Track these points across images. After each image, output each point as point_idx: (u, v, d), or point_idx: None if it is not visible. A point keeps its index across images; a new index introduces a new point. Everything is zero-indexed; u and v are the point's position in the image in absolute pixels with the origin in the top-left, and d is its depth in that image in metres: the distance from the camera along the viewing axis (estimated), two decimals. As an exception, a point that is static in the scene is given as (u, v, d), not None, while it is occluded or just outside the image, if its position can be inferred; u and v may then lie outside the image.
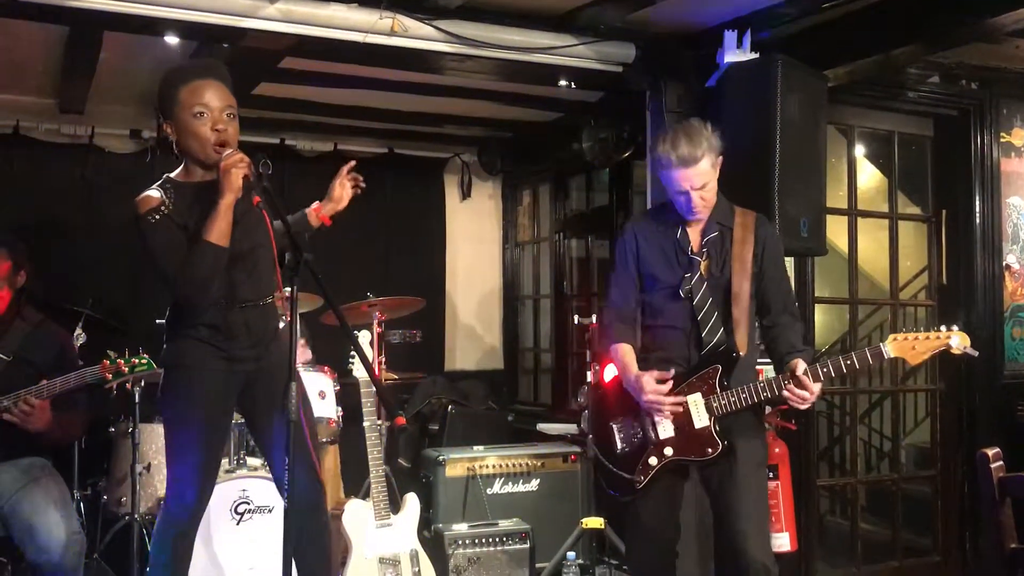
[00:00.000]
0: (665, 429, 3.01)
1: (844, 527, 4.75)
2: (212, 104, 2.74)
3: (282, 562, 2.45)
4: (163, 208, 2.76)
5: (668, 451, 3.01)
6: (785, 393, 2.88)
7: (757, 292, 3.07)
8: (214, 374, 2.88)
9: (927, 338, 2.83)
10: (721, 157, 3.03)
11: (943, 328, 2.84)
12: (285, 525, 2.48)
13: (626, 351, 3.11)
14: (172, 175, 2.88)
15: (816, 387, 2.85)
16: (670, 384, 2.99)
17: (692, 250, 3.07)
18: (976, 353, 2.87)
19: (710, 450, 2.96)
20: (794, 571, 4.09)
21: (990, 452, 2.46)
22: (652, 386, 2.98)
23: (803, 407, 2.94)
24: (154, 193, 2.79)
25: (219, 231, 2.65)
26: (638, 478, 3.05)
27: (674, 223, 3.10)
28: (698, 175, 2.96)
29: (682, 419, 2.99)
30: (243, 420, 3.39)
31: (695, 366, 3.01)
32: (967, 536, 4.57)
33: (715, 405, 2.96)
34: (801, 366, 2.87)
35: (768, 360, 3.14)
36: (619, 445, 3.12)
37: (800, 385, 2.84)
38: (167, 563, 2.93)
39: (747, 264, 3.04)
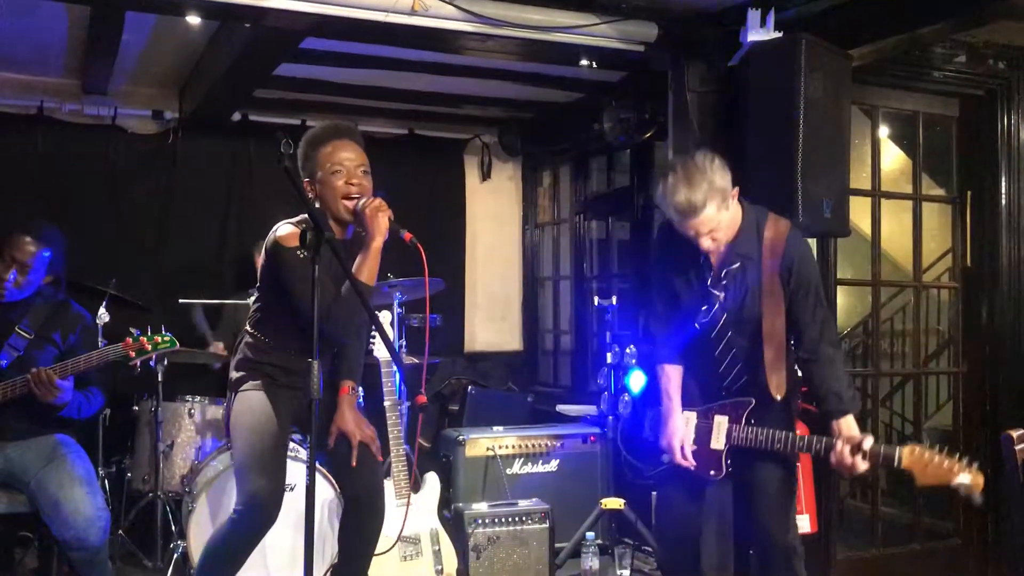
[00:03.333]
0: (689, 436, 3.05)
1: (864, 510, 4.73)
2: (346, 163, 2.94)
3: (304, 540, 2.48)
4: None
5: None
6: (834, 458, 2.75)
7: (790, 322, 2.90)
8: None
9: (942, 464, 2.62)
10: (736, 188, 2.84)
11: (965, 460, 2.63)
12: (307, 503, 2.50)
13: (669, 376, 3.06)
14: (307, 219, 2.98)
15: (863, 467, 2.71)
16: (690, 462, 3.00)
17: (711, 279, 2.93)
18: (980, 502, 2.67)
19: (713, 472, 2.99)
20: (814, 553, 4.08)
21: (1015, 433, 2.44)
22: (678, 451, 3.00)
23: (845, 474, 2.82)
24: (298, 230, 2.92)
25: (370, 271, 2.83)
26: (649, 467, 3.16)
27: (696, 247, 2.91)
28: (702, 223, 2.79)
29: (704, 434, 3.01)
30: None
31: (728, 390, 3.00)
32: (989, 520, 4.54)
33: (735, 435, 2.94)
34: (868, 440, 2.71)
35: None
36: (647, 431, 3.21)
37: (855, 455, 2.70)
38: (225, 565, 3.08)
39: (779, 297, 2.85)
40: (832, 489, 4.18)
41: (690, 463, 3.00)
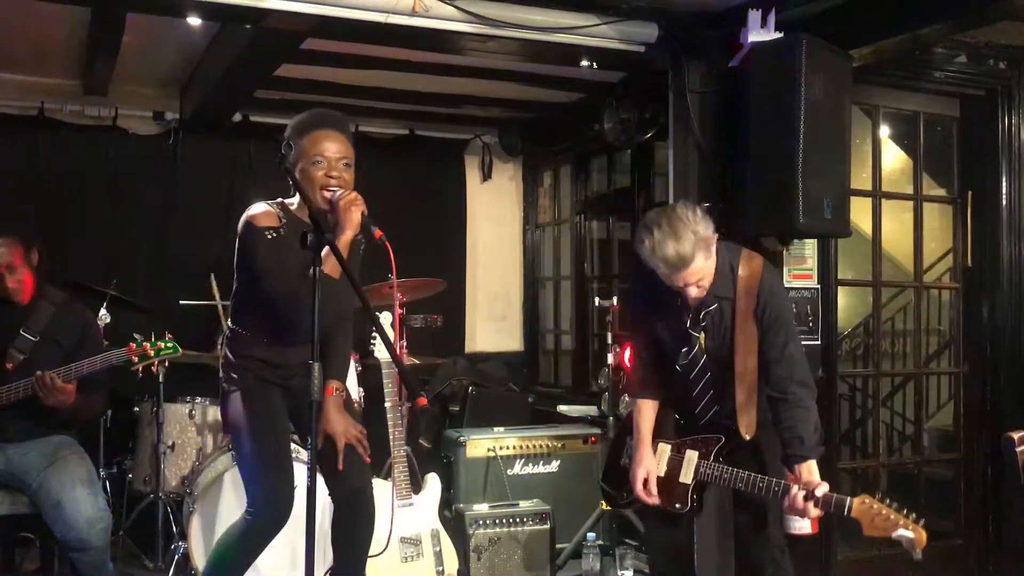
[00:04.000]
0: (659, 467, 3.06)
1: (865, 510, 4.73)
2: (328, 154, 2.88)
3: (305, 541, 2.48)
4: (281, 230, 2.91)
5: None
6: (787, 502, 2.74)
7: (761, 361, 2.90)
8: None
9: (888, 517, 2.62)
10: (716, 235, 2.82)
11: (912, 516, 2.62)
12: (308, 504, 2.50)
13: (643, 412, 3.08)
14: (286, 202, 3.01)
15: (815, 513, 2.71)
16: (654, 498, 3.01)
17: (690, 321, 2.93)
18: (920, 558, 2.63)
19: (679, 506, 3.01)
20: (815, 554, 4.08)
21: (1016, 435, 2.44)
22: (639, 484, 3.01)
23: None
24: (271, 210, 2.93)
25: (334, 263, 2.74)
26: (621, 495, 3.16)
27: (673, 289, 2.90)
28: (691, 274, 2.79)
29: (674, 467, 3.03)
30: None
31: (704, 426, 3.01)
32: (989, 520, 4.54)
33: (703, 471, 2.96)
34: (822, 487, 2.70)
35: None
36: (624, 459, 3.20)
37: (808, 501, 2.70)
38: (234, 566, 3.09)
39: (752, 337, 2.86)
40: (833, 489, 4.16)
41: (652, 498, 3.01)
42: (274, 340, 2.99)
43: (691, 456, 2.98)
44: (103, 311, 4.19)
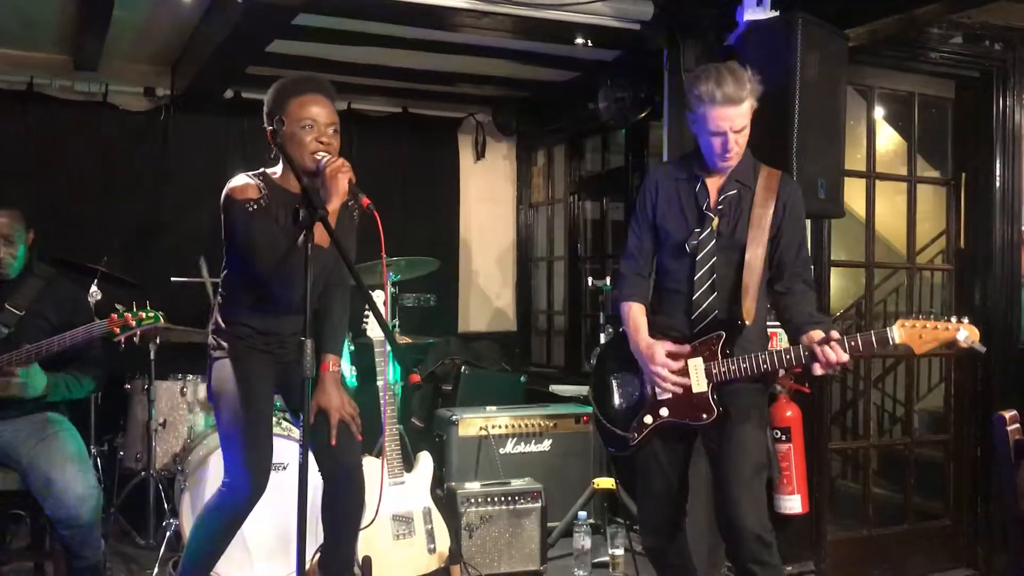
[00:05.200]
0: (663, 390, 2.99)
1: (856, 490, 4.75)
2: (319, 119, 2.83)
3: (297, 518, 2.48)
4: (262, 201, 2.87)
5: (664, 412, 3.00)
6: (817, 358, 2.75)
7: (772, 257, 2.97)
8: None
9: (935, 327, 2.70)
10: (756, 105, 2.93)
11: (953, 319, 2.70)
12: (300, 481, 2.50)
13: (638, 312, 3.06)
14: (268, 172, 2.96)
15: (844, 356, 2.73)
16: (681, 363, 2.95)
17: (708, 205, 2.98)
18: (984, 349, 2.70)
19: (705, 415, 2.94)
20: (806, 533, 4.10)
21: (1007, 414, 2.45)
22: (662, 358, 2.95)
23: (819, 372, 2.81)
24: (251, 182, 2.89)
25: (322, 233, 2.69)
26: (632, 435, 3.04)
27: (695, 175, 3.02)
28: (739, 116, 2.87)
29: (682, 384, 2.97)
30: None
31: (700, 331, 2.96)
32: (978, 501, 4.57)
33: (715, 371, 2.92)
34: (835, 332, 2.76)
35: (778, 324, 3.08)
36: (616, 400, 3.12)
37: (832, 350, 2.73)
38: (214, 538, 3.06)
39: (764, 229, 2.93)
40: (824, 469, 4.19)
41: (677, 382, 2.94)
42: (264, 310, 2.97)
43: (696, 363, 2.94)
44: (93, 288, 4.16)
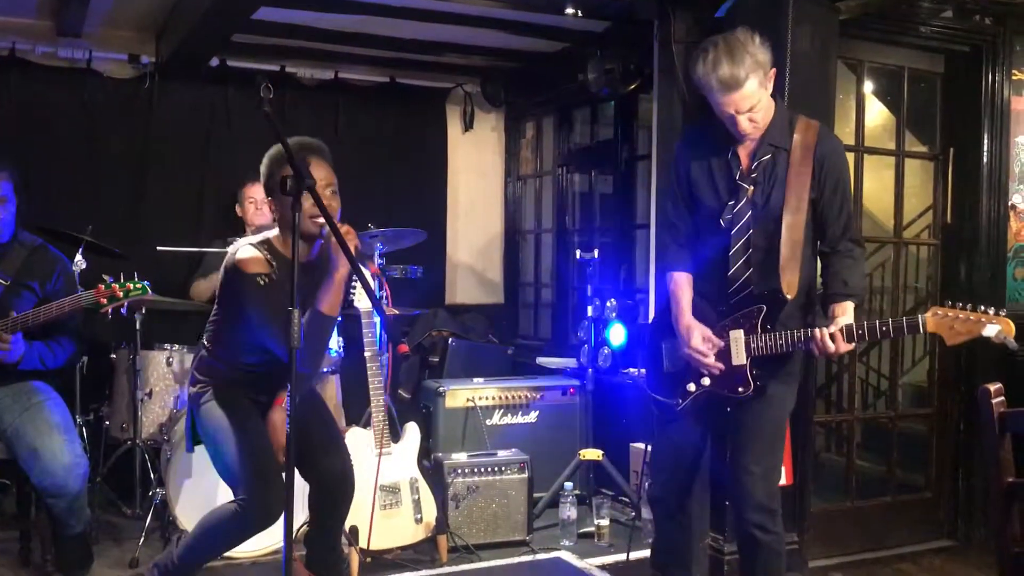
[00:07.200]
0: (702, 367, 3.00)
1: (839, 463, 4.79)
2: (319, 182, 2.80)
3: (284, 490, 2.48)
4: (272, 275, 2.87)
5: (705, 381, 3.00)
6: (812, 345, 2.79)
7: (815, 217, 2.88)
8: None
9: (967, 319, 2.60)
10: (774, 70, 2.80)
11: (991, 310, 2.60)
12: (288, 454, 2.50)
13: (681, 286, 3.02)
14: (271, 239, 2.98)
15: (844, 348, 2.74)
16: (715, 348, 2.94)
17: (740, 174, 2.89)
18: (1016, 347, 2.60)
19: (741, 389, 2.94)
20: (789, 505, 4.13)
21: (992, 387, 2.46)
22: (698, 343, 2.94)
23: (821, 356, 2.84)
24: (259, 255, 2.89)
25: (331, 303, 2.76)
26: (676, 400, 3.05)
27: (725, 141, 2.91)
28: (743, 99, 2.75)
29: (722, 354, 2.96)
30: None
31: (737, 303, 2.93)
32: (959, 474, 4.62)
33: (753, 345, 2.90)
34: (838, 323, 2.76)
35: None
36: (665, 364, 3.12)
37: (832, 340, 2.74)
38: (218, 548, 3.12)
39: (803, 194, 2.82)
40: (808, 442, 4.22)
41: (715, 363, 2.93)
42: (254, 371, 3.01)
43: (736, 335, 2.91)
44: (78, 257, 4.13)
